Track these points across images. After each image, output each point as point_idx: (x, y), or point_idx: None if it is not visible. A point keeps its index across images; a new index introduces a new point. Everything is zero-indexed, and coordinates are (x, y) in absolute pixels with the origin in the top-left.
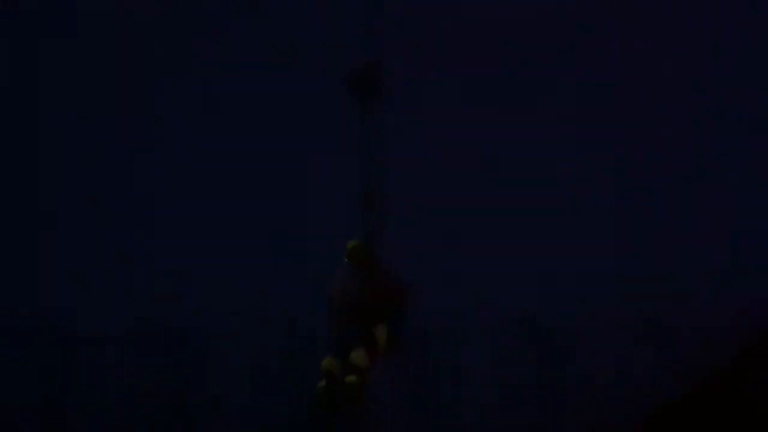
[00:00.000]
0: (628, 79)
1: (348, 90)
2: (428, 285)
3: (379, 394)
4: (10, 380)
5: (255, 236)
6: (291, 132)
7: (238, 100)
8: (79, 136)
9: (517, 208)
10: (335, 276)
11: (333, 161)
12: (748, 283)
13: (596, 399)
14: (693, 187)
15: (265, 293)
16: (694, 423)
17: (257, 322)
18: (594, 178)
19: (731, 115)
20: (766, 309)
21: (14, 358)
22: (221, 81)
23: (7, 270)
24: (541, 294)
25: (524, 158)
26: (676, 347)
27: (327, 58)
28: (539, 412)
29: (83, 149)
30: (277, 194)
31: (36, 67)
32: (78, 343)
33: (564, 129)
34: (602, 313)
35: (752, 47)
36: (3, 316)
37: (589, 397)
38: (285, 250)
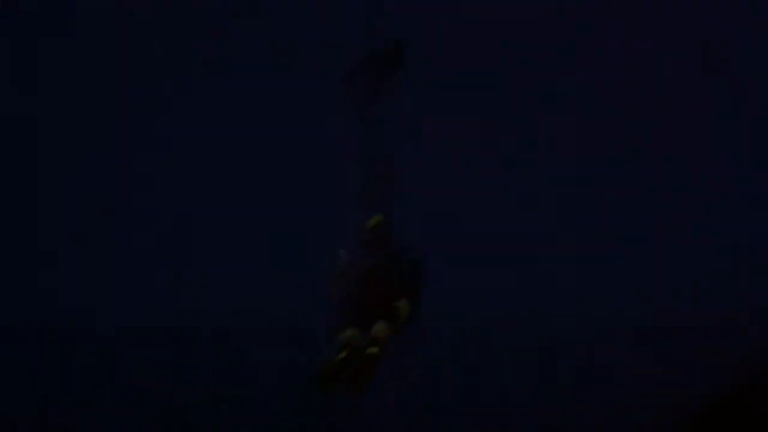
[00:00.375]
0: (633, 81)
1: (371, 67)
2: (431, 285)
3: (382, 393)
4: (28, 378)
5: (256, 236)
6: (291, 132)
7: (238, 100)
8: (78, 136)
9: (522, 209)
10: (344, 257)
11: (333, 161)
12: (748, 287)
13: (596, 399)
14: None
15: (265, 293)
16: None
17: (259, 321)
18: (601, 176)
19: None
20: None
21: (30, 356)
22: (222, 81)
23: (15, 270)
24: (544, 294)
25: (526, 161)
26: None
27: (327, 58)
28: (541, 412)
29: (84, 149)
30: (278, 194)
31: (36, 67)
32: (89, 342)
33: (566, 128)
34: (606, 315)
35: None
36: (22, 315)
37: (589, 396)
38: (286, 249)
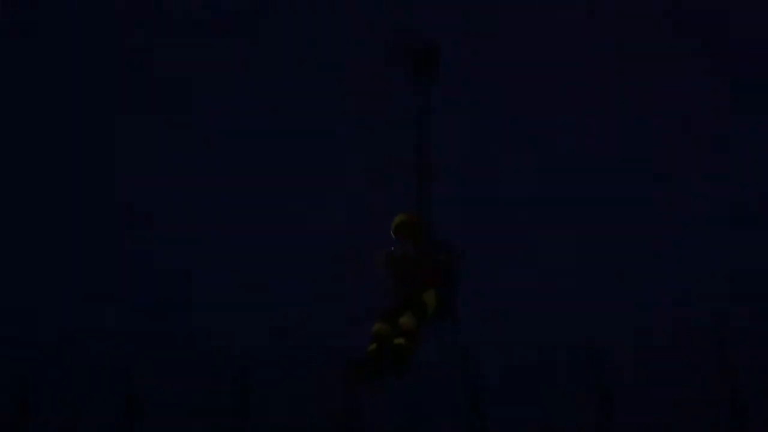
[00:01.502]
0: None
1: (407, 69)
2: None
3: (383, 393)
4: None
5: (258, 243)
6: (293, 133)
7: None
8: (79, 137)
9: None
10: (380, 250)
11: (336, 161)
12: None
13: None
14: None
15: (267, 294)
16: None
17: (259, 321)
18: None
19: None
20: None
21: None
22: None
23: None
24: (546, 294)
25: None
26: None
27: (333, 59)
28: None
29: (84, 150)
30: (282, 192)
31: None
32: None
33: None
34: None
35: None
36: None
37: (592, 398)
38: (288, 255)
